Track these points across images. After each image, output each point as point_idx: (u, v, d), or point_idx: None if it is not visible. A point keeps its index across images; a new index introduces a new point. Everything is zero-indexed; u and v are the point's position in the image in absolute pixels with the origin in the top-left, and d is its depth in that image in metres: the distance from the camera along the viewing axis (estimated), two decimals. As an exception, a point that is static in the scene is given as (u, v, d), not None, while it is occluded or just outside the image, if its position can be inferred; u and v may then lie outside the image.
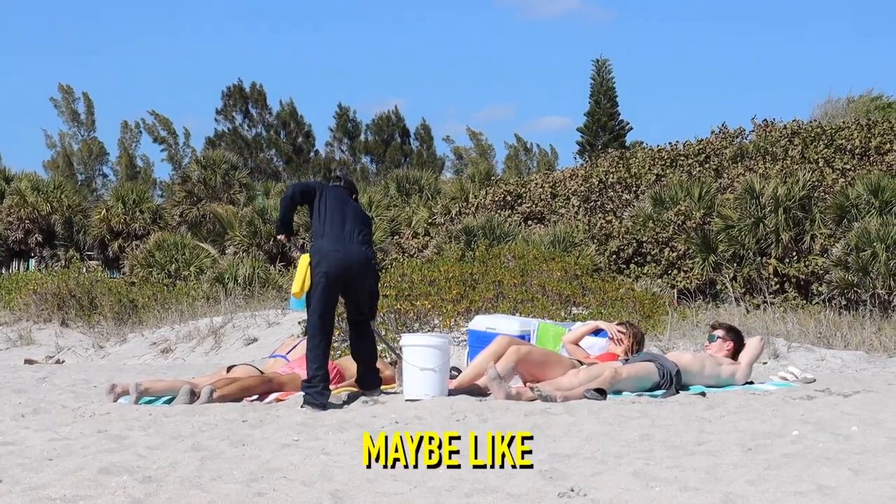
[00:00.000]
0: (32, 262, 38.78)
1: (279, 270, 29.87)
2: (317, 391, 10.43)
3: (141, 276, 29.39)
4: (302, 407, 10.31)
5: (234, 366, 12.10)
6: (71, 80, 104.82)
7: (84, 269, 28.02)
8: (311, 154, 75.75)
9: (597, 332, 12.09)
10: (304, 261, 10.94)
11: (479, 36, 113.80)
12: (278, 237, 11.48)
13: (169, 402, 10.91)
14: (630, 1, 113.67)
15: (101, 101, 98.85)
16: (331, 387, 11.10)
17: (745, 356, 11.40)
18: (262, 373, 11.58)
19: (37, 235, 38.08)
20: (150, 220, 38.25)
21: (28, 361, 18.92)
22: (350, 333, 11.22)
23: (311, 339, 10.80)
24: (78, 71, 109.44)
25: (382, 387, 11.34)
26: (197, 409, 10.26)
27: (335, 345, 16.25)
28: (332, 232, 10.95)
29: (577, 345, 11.85)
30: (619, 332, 11.75)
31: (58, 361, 19.31)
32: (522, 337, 12.07)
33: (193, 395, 10.69)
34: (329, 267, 10.74)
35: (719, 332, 11.58)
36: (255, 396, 11.06)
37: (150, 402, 10.91)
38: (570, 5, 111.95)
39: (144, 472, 7.47)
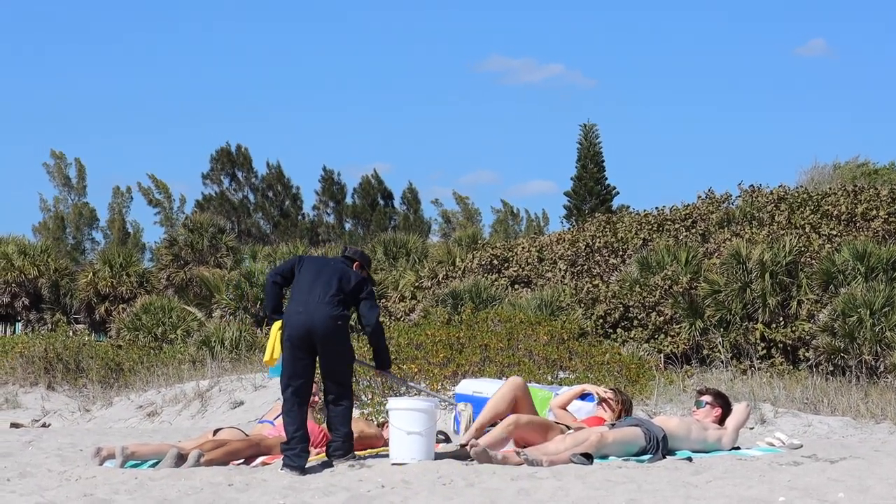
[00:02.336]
0: (19, 325, 38.70)
1: (265, 334, 29.80)
2: (294, 453, 10.44)
3: (127, 339, 29.31)
4: (282, 469, 10.33)
5: (220, 429, 12.09)
6: (63, 146, 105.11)
7: (71, 333, 27.99)
8: (299, 217, 75.74)
9: (584, 395, 12.11)
10: (275, 327, 10.99)
11: (462, 101, 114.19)
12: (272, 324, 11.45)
13: (155, 465, 10.88)
14: (613, 68, 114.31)
15: (90, 166, 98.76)
16: (314, 450, 11.09)
17: (731, 422, 11.40)
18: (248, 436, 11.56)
19: (23, 299, 38.03)
20: (137, 283, 38.20)
21: (14, 425, 18.85)
22: (325, 401, 11.17)
23: (284, 404, 10.84)
24: (69, 137, 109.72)
25: (365, 451, 11.31)
26: (182, 474, 10.24)
27: (319, 408, 16.20)
28: (298, 296, 10.95)
29: (564, 409, 11.85)
30: (606, 393, 11.77)
31: (44, 425, 19.24)
32: (509, 401, 12.04)
33: (180, 459, 10.67)
34: (291, 330, 10.75)
35: (707, 398, 11.59)
36: (242, 460, 11.04)
37: (135, 465, 10.88)
38: (552, 72, 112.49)
39: (130, 536, 7.44)
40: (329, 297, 10.81)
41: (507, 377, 15.47)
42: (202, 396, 19.50)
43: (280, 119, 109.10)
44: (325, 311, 10.74)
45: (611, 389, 11.98)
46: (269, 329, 11.21)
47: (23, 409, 20.97)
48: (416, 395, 12.36)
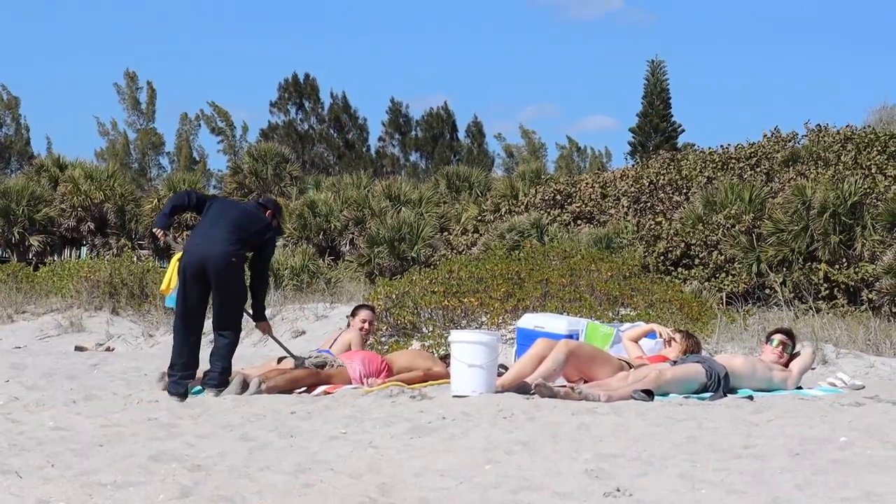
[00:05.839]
0: (84, 250, 38.97)
1: (328, 264, 29.94)
2: (174, 381, 10.78)
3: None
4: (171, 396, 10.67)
5: (283, 357, 12.17)
6: (135, 68, 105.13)
7: (135, 258, 28.17)
8: (364, 149, 75.72)
9: (649, 334, 12.10)
10: (174, 259, 11.18)
11: (516, 36, 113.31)
12: (154, 230, 11.46)
13: (218, 391, 10.98)
14: (675, 4, 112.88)
15: (159, 91, 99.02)
16: (378, 381, 11.14)
17: (796, 365, 11.34)
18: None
19: (89, 223, 38.19)
20: (202, 210, 38.32)
21: (79, 348, 19.04)
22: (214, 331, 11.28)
23: (174, 331, 11.09)
24: (141, 59, 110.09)
25: (431, 383, 11.33)
26: (245, 400, 10.33)
27: (382, 340, 16.28)
28: (201, 229, 11.16)
29: (635, 343, 11.84)
30: (670, 334, 11.73)
31: (108, 349, 19.42)
32: (571, 336, 12.04)
33: (244, 386, 10.77)
34: (187, 260, 10.92)
35: (782, 337, 11.49)
36: (304, 388, 11.11)
37: (199, 391, 10.99)
38: (610, 7, 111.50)
39: (193, 460, 7.52)
40: (229, 233, 10.93)
41: (569, 313, 15.51)
42: (265, 324, 19.57)
43: (347, 50, 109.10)
44: (223, 246, 10.85)
45: (678, 331, 11.94)
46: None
47: (87, 333, 21.14)
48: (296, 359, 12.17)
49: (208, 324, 11.34)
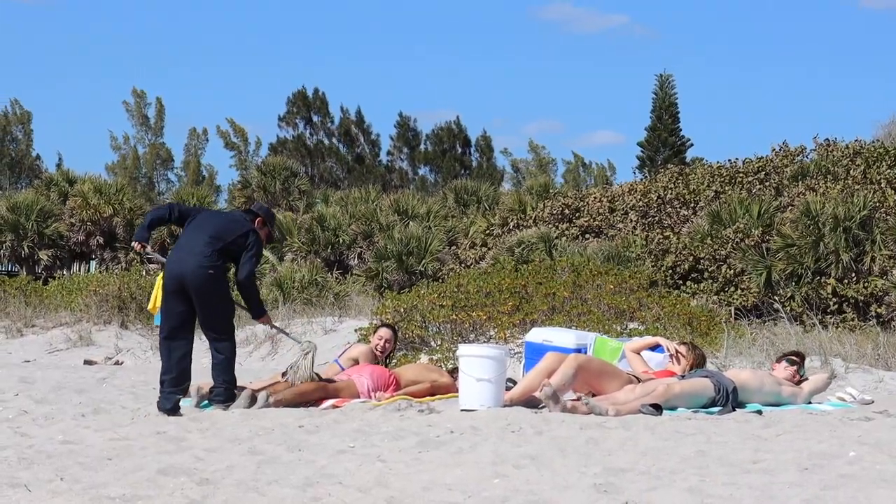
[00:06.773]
0: (93, 263, 38.96)
1: (336, 278, 29.93)
2: (163, 396, 10.67)
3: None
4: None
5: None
6: (142, 85, 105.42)
7: (144, 272, 28.18)
8: (375, 163, 75.74)
9: (654, 347, 12.06)
10: (159, 277, 11.10)
11: (518, 50, 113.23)
12: (133, 244, 11.31)
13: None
14: (679, 19, 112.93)
15: (168, 105, 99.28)
16: (386, 395, 11.15)
17: (808, 385, 11.35)
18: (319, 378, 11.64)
19: (98, 237, 38.15)
20: (211, 224, 38.26)
21: (87, 362, 19.06)
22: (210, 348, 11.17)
23: (160, 348, 10.97)
24: (149, 76, 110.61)
25: (439, 396, 11.35)
26: (254, 414, 10.34)
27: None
28: (179, 242, 11.06)
29: (638, 355, 11.81)
30: (676, 349, 11.70)
31: (117, 363, 19.43)
32: (579, 350, 12.03)
33: (252, 400, 10.77)
34: (166, 278, 10.84)
35: (797, 359, 11.51)
36: (312, 402, 11.12)
37: (208, 405, 11.00)
38: (613, 21, 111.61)
39: (202, 474, 7.53)
40: (204, 245, 10.74)
41: (577, 326, 15.50)
42: (272, 339, 19.62)
43: (353, 65, 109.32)
44: (198, 260, 10.68)
45: (683, 344, 11.91)
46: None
47: (96, 347, 21.17)
48: (299, 346, 12.04)
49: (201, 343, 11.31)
